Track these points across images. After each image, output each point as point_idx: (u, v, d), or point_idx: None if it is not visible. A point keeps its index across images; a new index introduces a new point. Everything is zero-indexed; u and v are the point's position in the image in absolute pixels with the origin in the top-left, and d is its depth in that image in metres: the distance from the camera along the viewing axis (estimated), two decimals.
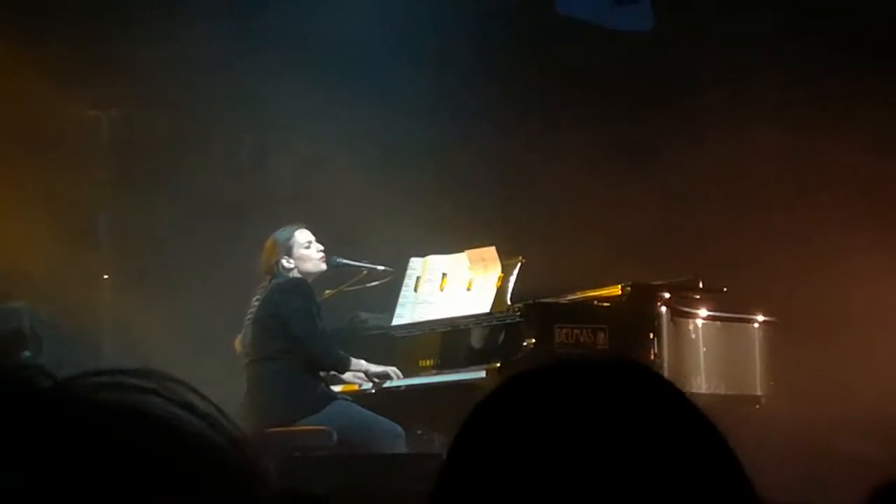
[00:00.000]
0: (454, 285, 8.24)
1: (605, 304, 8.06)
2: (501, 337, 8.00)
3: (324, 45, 9.90)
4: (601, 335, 7.84)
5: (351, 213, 9.55)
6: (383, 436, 7.61)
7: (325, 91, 9.53)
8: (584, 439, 1.34)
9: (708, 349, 8.19)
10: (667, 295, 8.09)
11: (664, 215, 10.08)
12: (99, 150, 9.66)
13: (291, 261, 7.88)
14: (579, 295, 8.23)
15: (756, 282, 9.26)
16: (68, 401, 0.88)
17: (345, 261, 8.28)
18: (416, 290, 8.36)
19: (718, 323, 8.33)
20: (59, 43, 9.31)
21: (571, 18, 10.97)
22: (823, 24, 10.42)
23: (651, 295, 8.07)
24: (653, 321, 7.98)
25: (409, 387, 8.02)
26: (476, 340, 8.14)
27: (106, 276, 9.55)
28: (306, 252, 7.91)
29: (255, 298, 7.92)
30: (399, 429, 7.65)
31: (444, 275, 8.31)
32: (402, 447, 7.58)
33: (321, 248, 7.97)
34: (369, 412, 7.70)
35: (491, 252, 8.14)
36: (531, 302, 7.89)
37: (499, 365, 7.63)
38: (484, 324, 8.09)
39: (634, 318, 7.97)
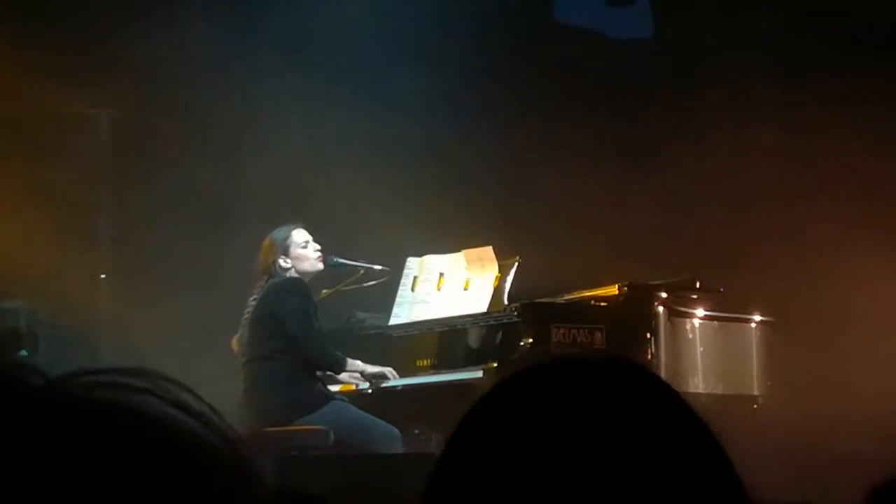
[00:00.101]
0: (451, 285, 8.24)
1: (602, 304, 8.06)
2: (498, 337, 8.00)
3: (323, 44, 9.90)
4: (598, 335, 7.84)
5: (348, 212, 9.55)
6: (380, 438, 7.60)
7: (325, 90, 9.53)
8: (577, 438, 1.34)
9: (705, 349, 8.19)
10: (664, 295, 8.09)
11: (663, 215, 10.09)
12: (98, 150, 9.65)
13: (288, 260, 7.88)
14: (576, 295, 8.23)
15: (755, 282, 9.26)
16: (61, 400, 0.88)
17: (342, 260, 8.28)
18: (413, 289, 8.36)
19: (716, 323, 8.33)
20: (59, 43, 9.30)
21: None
22: (823, 24, 10.42)
23: (648, 295, 8.08)
24: (650, 321, 7.99)
25: (406, 386, 8.02)
26: (473, 340, 8.14)
27: (103, 276, 9.55)
28: (303, 252, 7.91)
29: (252, 298, 7.92)
30: (396, 431, 7.64)
31: (441, 274, 8.31)
32: (398, 449, 7.58)
33: (318, 247, 7.97)
34: (366, 414, 7.70)
35: (488, 252, 8.14)
36: (528, 302, 7.89)
37: (496, 364, 7.63)
38: (481, 323, 8.09)
39: (631, 317, 7.98)
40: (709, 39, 11.01)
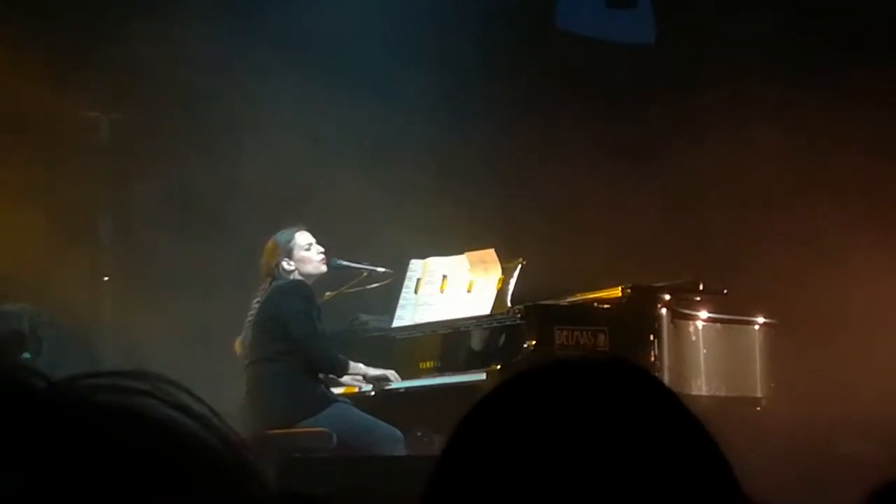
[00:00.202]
0: (454, 287, 8.24)
1: (606, 306, 8.05)
2: (502, 339, 8.00)
3: (323, 44, 9.91)
4: (601, 337, 7.83)
5: (351, 214, 9.55)
6: (382, 440, 7.60)
7: (325, 91, 9.53)
8: (576, 439, 1.35)
9: (708, 351, 8.19)
10: (667, 297, 8.09)
11: (665, 216, 10.08)
12: (98, 152, 9.65)
13: (292, 263, 7.88)
14: (579, 297, 8.23)
15: (756, 282, 9.26)
16: (63, 402, 0.88)
17: (345, 262, 8.28)
18: (416, 291, 8.36)
19: (719, 325, 8.33)
20: (59, 44, 9.31)
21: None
22: (823, 25, 10.42)
23: (651, 297, 8.07)
24: (653, 323, 7.98)
25: (409, 389, 8.02)
26: (476, 342, 8.14)
27: (106, 278, 9.55)
28: (307, 254, 7.91)
29: (255, 300, 7.92)
30: (398, 433, 7.64)
31: (444, 276, 8.31)
32: (401, 452, 7.58)
33: (321, 249, 7.97)
34: (369, 416, 7.69)
35: (491, 254, 8.14)
36: (531, 304, 7.89)
37: (499, 367, 7.62)
38: (484, 326, 8.09)
39: (635, 319, 7.97)
40: (709, 40, 11.00)
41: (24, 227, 8.99)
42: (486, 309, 8.03)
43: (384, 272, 8.38)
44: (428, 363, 8.23)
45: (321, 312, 7.85)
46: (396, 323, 8.33)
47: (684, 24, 11.00)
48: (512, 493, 1.33)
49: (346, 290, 8.42)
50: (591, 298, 8.18)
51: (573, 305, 8.16)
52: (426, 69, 10.06)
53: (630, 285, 8.06)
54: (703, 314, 8.27)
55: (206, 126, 9.71)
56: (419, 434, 7.92)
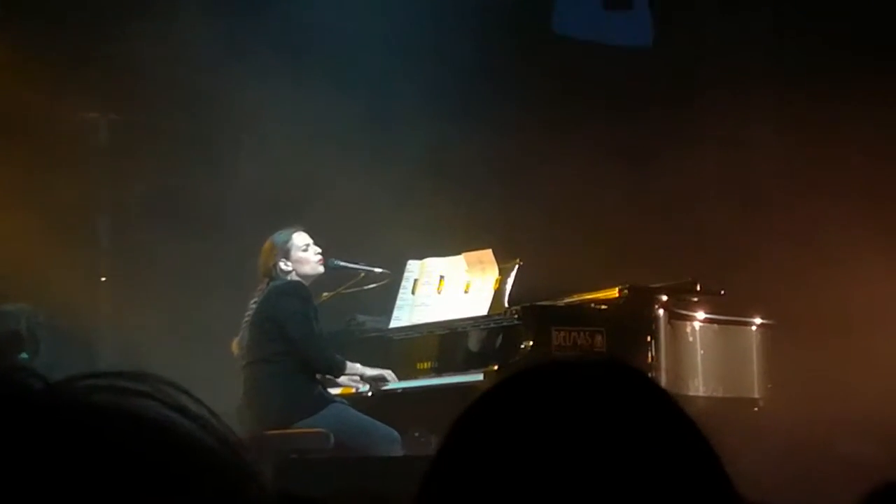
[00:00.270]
0: (452, 288, 8.24)
1: (603, 307, 8.06)
2: (499, 339, 8.00)
3: (323, 45, 9.90)
4: (599, 338, 7.83)
5: (349, 215, 9.55)
6: (379, 441, 7.60)
7: (324, 91, 9.53)
8: (569, 439, 1.36)
9: (706, 352, 8.19)
10: (664, 297, 8.09)
11: (663, 217, 10.08)
12: (97, 153, 9.65)
13: (289, 263, 7.88)
14: (577, 297, 8.23)
15: (755, 283, 9.26)
16: (60, 403, 0.88)
17: (342, 263, 8.28)
18: (413, 292, 8.36)
19: (716, 325, 8.33)
20: (58, 45, 9.30)
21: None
22: (823, 25, 10.42)
23: (649, 297, 8.07)
24: (650, 324, 7.98)
25: (406, 389, 8.02)
26: (474, 343, 8.14)
27: (104, 278, 9.55)
28: (304, 255, 7.91)
29: (252, 301, 7.92)
30: (395, 434, 7.64)
31: (441, 277, 8.31)
32: (398, 452, 7.58)
33: (319, 250, 7.97)
34: (366, 417, 7.70)
35: (488, 255, 8.14)
36: (529, 304, 7.89)
37: (496, 367, 7.63)
38: (482, 326, 8.09)
39: (632, 320, 7.97)
40: (709, 40, 11.01)
41: (22, 227, 8.99)
42: (483, 309, 8.03)
43: (381, 273, 8.38)
44: (425, 364, 8.23)
45: (318, 313, 7.85)
46: (394, 324, 8.33)
47: (684, 24, 11.00)
48: (505, 494, 1.34)
49: (344, 291, 8.42)
50: (589, 299, 8.18)
51: (570, 306, 8.16)
52: (426, 69, 10.06)
53: (627, 286, 8.06)
54: (701, 315, 8.27)
55: (204, 126, 9.71)
56: (416, 435, 7.92)
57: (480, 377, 7.60)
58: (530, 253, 8.35)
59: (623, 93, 10.60)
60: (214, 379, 6.94)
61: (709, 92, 10.69)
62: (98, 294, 9.50)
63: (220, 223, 9.52)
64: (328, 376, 7.89)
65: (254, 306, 7.88)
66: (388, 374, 8.00)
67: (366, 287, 8.37)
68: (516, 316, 7.86)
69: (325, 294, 8.32)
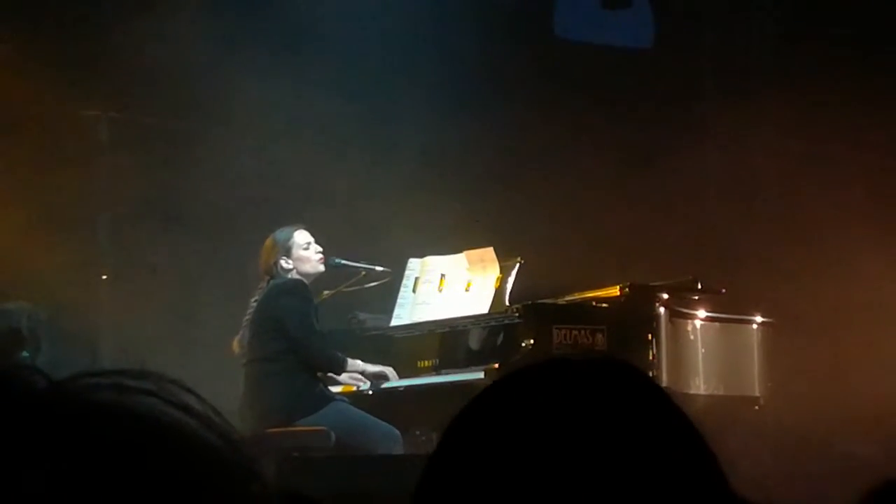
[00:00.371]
0: (453, 286, 8.24)
1: (604, 305, 8.05)
2: (500, 338, 8.00)
3: (323, 44, 9.90)
4: (599, 336, 7.83)
5: (350, 213, 9.56)
6: (380, 439, 7.60)
7: (324, 90, 9.53)
8: (565, 436, 1.36)
9: (706, 350, 8.19)
10: (665, 296, 8.09)
11: (664, 216, 10.08)
12: (98, 150, 9.65)
13: (290, 262, 7.88)
14: (578, 296, 8.23)
15: (755, 282, 9.27)
16: (64, 402, 0.88)
17: (343, 261, 8.28)
18: (414, 290, 8.36)
19: (717, 324, 8.33)
20: (58, 43, 9.30)
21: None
22: (823, 25, 10.42)
23: (649, 296, 8.07)
24: (651, 322, 7.98)
25: (407, 388, 8.02)
26: (475, 341, 8.14)
27: (104, 276, 9.55)
28: (305, 253, 7.91)
29: (253, 299, 7.92)
30: (396, 432, 7.64)
31: (442, 275, 8.31)
32: (399, 450, 7.58)
33: (320, 249, 7.97)
34: (367, 415, 7.70)
35: (489, 253, 8.14)
36: (530, 303, 7.89)
37: (497, 365, 7.62)
38: (482, 324, 8.09)
39: (633, 318, 7.97)
40: (709, 40, 11.01)
41: (22, 225, 8.99)
42: (484, 308, 8.03)
43: (382, 271, 8.38)
44: (426, 362, 8.23)
45: (319, 311, 7.85)
46: (395, 322, 8.33)
47: (685, 24, 11.00)
48: (501, 491, 1.34)
49: (345, 289, 8.42)
50: (590, 297, 8.18)
51: (571, 304, 8.16)
52: (426, 69, 10.06)
53: (628, 284, 8.06)
54: (702, 313, 8.28)
55: (206, 125, 9.71)
56: (417, 433, 7.92)
57: (481, 375, 7.60)
58: (531, 251, 8.35)
59: (624, 91, 10.60)
60: (215, 377, 6.94)
61: (709, 91, 10.69)
62: (98, 292, 9.50)
63: (220, 221, 9.52)
64: (329, 374, 7.89)
65: (254, 304, 7.88)
66: (389, 371, 8.01)
67: (367, 285, 8.37)
68: (517, 314, 7.86)
69: (325, 292, 8.32)
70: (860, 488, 2.30)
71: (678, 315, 8.14)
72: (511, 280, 7.99)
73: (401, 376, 8.05)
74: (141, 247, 9.58)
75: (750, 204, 10.52)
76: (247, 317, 7.89)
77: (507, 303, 7.94)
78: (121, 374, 0.91)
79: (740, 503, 1.42)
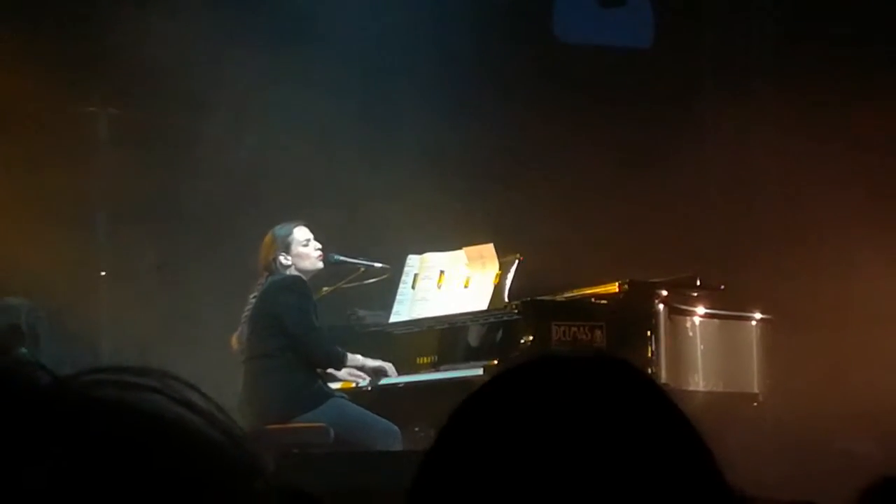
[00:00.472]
0: (452, 282, 8.24)
1: (603, 302, 8.06)
2: (499, 334, 8.00)
3: (324, 42, 9.90)
4: (598, 332, 7.84)
5: (349, 210, 9.56)
6: (379, 435, 7.60)
7: (325, 88, 9.53)
8: (559, 434, 1.36)
9: (705, 347, 8.19)
10: (664, 292, 8.09)
11: (663, 213, 10.09)
12: (97, 147, 9.65)
13: (289, 258, 7.88)
14: (577, 292, 8.23)
15: (755, 278, 9.27)
16: (68, 398, 0.89)
17: (342, 258, 8.28)
18: (413, 287, 8.36)
19: (716, 320, 8.33)
20: (57, 40, 9.30)
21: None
22: (823, 25, 10.42)
23: (649, 292, 8.07)
24: (650, 319, 7.98)
25: (406, 384, 8.02)
26: (474, 338, 8.14)
27: (103, 273, 9.55)
28: (304, 249, 7.91)
29: (252, 295, 7.92)
30: (395, 428, 7.65)
31: (441, 272, 8.31)
32: (398, 447, 7.58)
33: (319, 245, 7.97)
34: (366, 411, 7.70)
35: (489, 249, 8.14)
36: (529, 299, 7.89)
37: (497, 362, 7.62)
38: (481, 321, 8.09)
39: (632, 315, 7.97)
40: (709, 39, 11.01)
41: (21, 221, 8.99)
42: (483, 304, 8.03)
43: (382, 267, 8.38)
44: (425, 358, 8.23)
45: (318, 308, 7.85)
46: (394, 318, 8.33)
47: (685, 23, 11.00)
48: (497, 487, 1.35)
49: (344, 286, 8.43)
50: (589, 294, 8.18)
51: (570, 301, 8.17)
52: (426, 68, 10.06)
53: (627, 281, 8.06)
54: (701, 310, 8.28)
55: (205, 121, 9.71)
56: (416, 429, 7.92)
57: (480, 372, 7.60)
58: (531, 248, 8.35)
59: (624, 90, 10.59)
60: (214, 374, 6.95)
61: (709, 90, 10.69)
62: (98, 288, 9.50)
63: (219, 217, 9.52)
64: (329, 370, 7.89)
65: (253, 301, 7.88)
66: (388, 366, 8.01)
67: (366, 282, 8.38)
68: (516, 311, 7.86)
69: (324, 289, 8.33)
70: (858, 485, 2.31)
71: (677, 312, 8.14)
72: (510, 276, 7.99)
73: (400, 373, 8.05)
74: (140, 244, 9.58)
75: (750, 202, 10.53)
76: (245, 313, 7.89)
77: (506, 299, 7.94)
78: (123, 370, 0.91)
79: (738, 500, 1.43)
